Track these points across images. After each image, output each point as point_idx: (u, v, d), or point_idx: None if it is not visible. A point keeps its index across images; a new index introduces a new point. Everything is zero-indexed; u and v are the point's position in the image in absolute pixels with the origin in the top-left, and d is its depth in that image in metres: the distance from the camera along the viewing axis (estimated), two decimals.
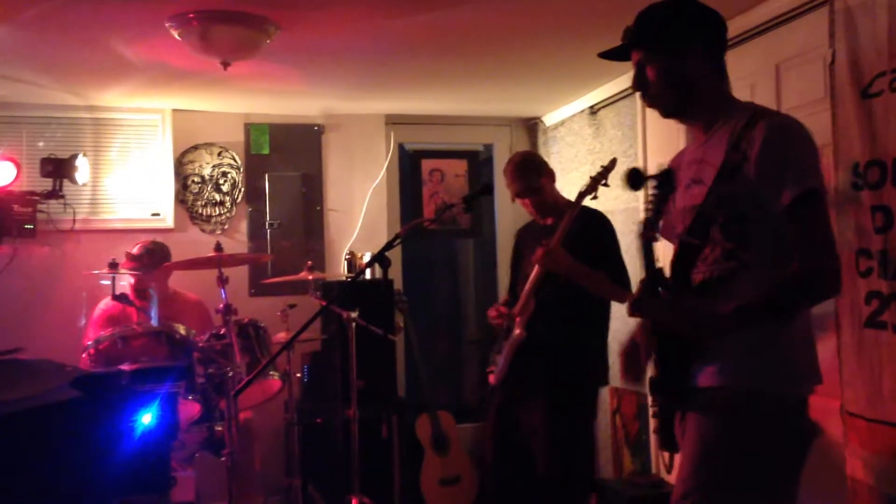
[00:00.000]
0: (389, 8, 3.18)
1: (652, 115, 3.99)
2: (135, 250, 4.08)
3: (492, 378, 3.22)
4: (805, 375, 1.87)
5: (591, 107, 4.72)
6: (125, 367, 2.93)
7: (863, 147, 2.53)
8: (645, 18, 1.97)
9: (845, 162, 2.59)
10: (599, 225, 3.25)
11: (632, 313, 1.92)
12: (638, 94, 2.04)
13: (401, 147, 5.41)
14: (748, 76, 3.24)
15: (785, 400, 1.83)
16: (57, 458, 2.07)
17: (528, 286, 3.13)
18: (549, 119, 5.30)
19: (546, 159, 5.24)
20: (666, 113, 2.00)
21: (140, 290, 4.01)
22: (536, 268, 3.11)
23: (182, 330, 3.49)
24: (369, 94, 4.68)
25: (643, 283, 1.91)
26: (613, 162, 3.15)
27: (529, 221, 3.55)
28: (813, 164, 1.78)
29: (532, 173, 3.30)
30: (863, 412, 2.48)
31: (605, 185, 3.11)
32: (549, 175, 3.38)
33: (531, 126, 5.52)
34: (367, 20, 3.32)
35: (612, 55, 2.01)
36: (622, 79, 4.30)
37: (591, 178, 3.12)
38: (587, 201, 3.14)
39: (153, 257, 4.04)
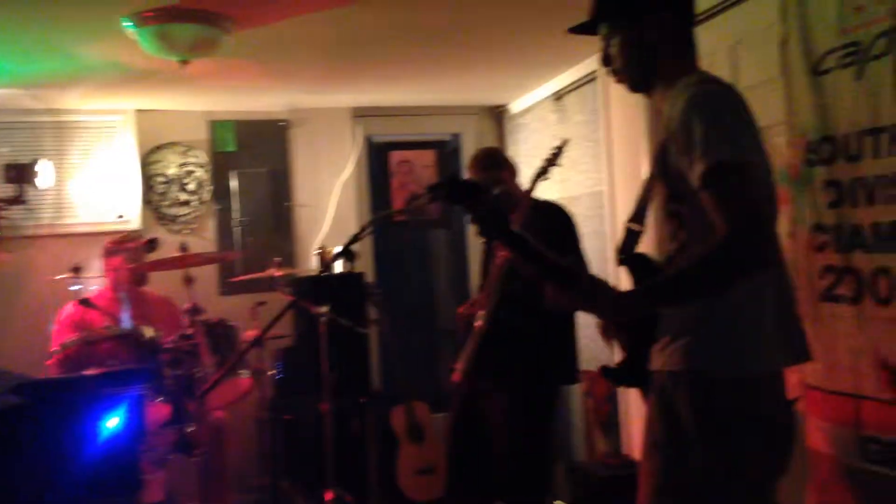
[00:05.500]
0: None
1: (615, 99, 4.07)
2: (113, 240, 4.10)
3: (455, 375, 3.22)
4: (751, 354, 1.71)
5: (556, 93, 4.73)
6: (90, 371, 2.91)
7: (815, 124, 2.56)
8: None
9: (799, 139, 2.62)
10: (556, 218, 3.25)
11: (548, 306, 1.82)
12: (606, 73, 1.99)
13: (368, 139, 5.40)
14: (707, 56, 3.24)
15: (726, 383, 1.69)
16: (7, 467, 2.05)
17: (491, 279, 3.14)
18: (515, 106, 5.31)
19: (513, 146, 5.31)
20: (631, 88, 1.95)
21: (138, 275, 4.00)
22: (501, 261, 3.11)
23: (149, 332, 3.47)
24: (334, 87, 4.67)
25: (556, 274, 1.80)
26: (564, 143, 3.18)
27: None
28: (725, 133, 1.65)
29: (492, 168, 3.31)
30: (821, 384, 2.51)
31: (557, 164, 3.14)
32: (511, 169, 3.39)
33: (497, 114, 5.53)
34: (327, 12, 3.30)
35: (581, 29, 1.97)
36: (585, 64, 4.32)
37: (543, 160, 3.15)
38: (552, 189, 3.16)
39: (137, 242, 4.07)
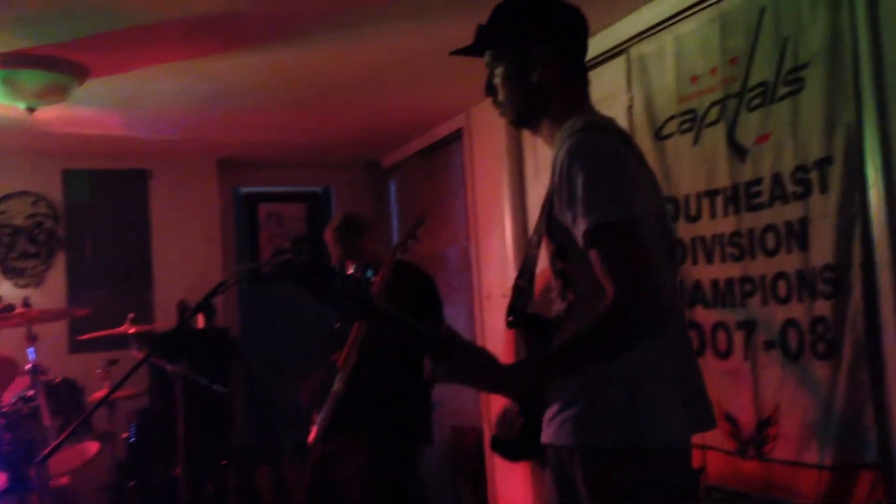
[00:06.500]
0: (209, 49, 3.09)
1: (479, 155, 4.16)
2: None
3: (311, 436, 3.15)
4: (647, 425, 1.56)
5: (424, 149, 4.80)
6: None
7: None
8: (495, 16, 1.74)
9: None
10: (414, 280, 3.26)
11: (428, 381, 1.65)
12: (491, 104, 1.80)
13: (236, 191, 5.29)
14: None
15: (620, 456, 1.56)
16: None
17: (349, 340, 3.10)
18: (386, 161, 5.35)
19: (384, 200, 5.34)
20: (514, 122, 1.77)
21: None
22: (359, 326, 3.08)
23: None
24: (198, 136, 4.56)
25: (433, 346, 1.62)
26: (423, 216, 3.21)
27: None
28: (609, 188, 1.51)
29: (351, 237, 3.30)
30: None
31: (416, 238, 3.15)
32: (370, 234, 3.38)
33: (368, 168, 5.54)
34: (186, 62, 3.23)
35: (466, 52, 1.77)
36: (453, 121, 4.41)
37: (402, 234, 3.18)
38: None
39: None
